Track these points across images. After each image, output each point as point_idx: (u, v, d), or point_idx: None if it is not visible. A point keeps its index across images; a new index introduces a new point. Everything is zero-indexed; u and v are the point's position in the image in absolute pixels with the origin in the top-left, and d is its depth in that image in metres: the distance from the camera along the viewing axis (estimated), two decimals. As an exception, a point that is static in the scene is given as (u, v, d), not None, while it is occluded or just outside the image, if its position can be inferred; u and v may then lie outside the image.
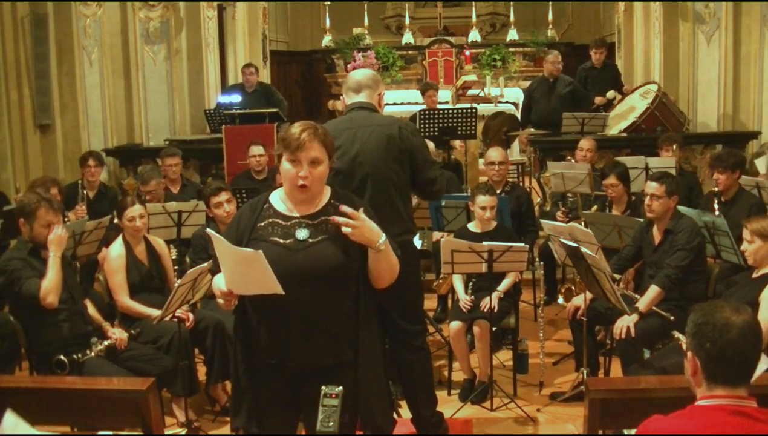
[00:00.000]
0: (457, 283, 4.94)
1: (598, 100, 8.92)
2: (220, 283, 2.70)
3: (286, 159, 2.67)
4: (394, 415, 4.08)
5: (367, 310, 2.79)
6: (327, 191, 2.82)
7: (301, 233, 2.70)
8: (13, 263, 3.97)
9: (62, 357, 3.86)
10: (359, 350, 2.75)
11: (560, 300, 5.24)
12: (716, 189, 5.62)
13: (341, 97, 3.99)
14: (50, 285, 3.90)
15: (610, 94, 8.95)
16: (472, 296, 4.78)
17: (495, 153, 6.06)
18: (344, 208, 2.61)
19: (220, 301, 2.72)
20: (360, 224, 2.60)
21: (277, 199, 2.81)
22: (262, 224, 2.75)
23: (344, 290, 2.72)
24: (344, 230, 2.60)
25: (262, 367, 2.75)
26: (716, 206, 5.62)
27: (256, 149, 6.84)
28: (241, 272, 2.59)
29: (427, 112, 7.57)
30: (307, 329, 2.67)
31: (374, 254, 2.69)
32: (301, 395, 2.76)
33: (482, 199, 4.94)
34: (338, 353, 2.72)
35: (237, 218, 2.86)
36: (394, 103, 10.92)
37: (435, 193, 3.93)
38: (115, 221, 5.33)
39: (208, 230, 2.74)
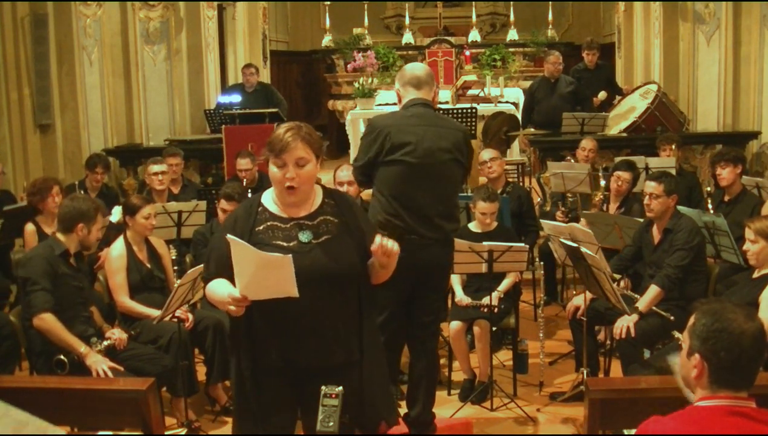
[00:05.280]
0: (456, 283, 4.94)
1: (594, 100, 8.94)
2: (229, 289, 2.57)
3: (272, 163, 2.64)
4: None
5: (370, 307, 2.79)
6: (319, 191, 2.78)
7: (304, 236, 2.67)
8: (37, 262, 3.93)
9: (62, 357, 3.85)
10: (364, 347, 2.74)
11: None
12: (711, 189, 5.63)
13: (395, 88, 4.03)
14: (49, 327, 3.87)
15: (602, 95, 9.03)
16: (471, 300, 4.78)
17: (486, 154, 6.07)
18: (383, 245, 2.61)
19: (232, 308, 2.57)
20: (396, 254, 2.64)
21: (270, 200, 2.75)
22: (261, 227, 2.69)
23: (349, 288, 2.70)
24: (381, 259, 2.63)
25: (267, 369, 2.70)
26: (710, 207, 5.63)
27: (243, 163, 6.46)
28: (261, 277, 2.50)
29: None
30: (316, 330, 2.64)
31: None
32: (304, 395, 2.72)
33: (482, 206, 4.93)
34: (347, 352, 2.71)
35: (232, 221, 2.75)
36: (395, 104, 10.84)
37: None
38: (114, 220, 5.32)
39: (229, 237, 2.55)
